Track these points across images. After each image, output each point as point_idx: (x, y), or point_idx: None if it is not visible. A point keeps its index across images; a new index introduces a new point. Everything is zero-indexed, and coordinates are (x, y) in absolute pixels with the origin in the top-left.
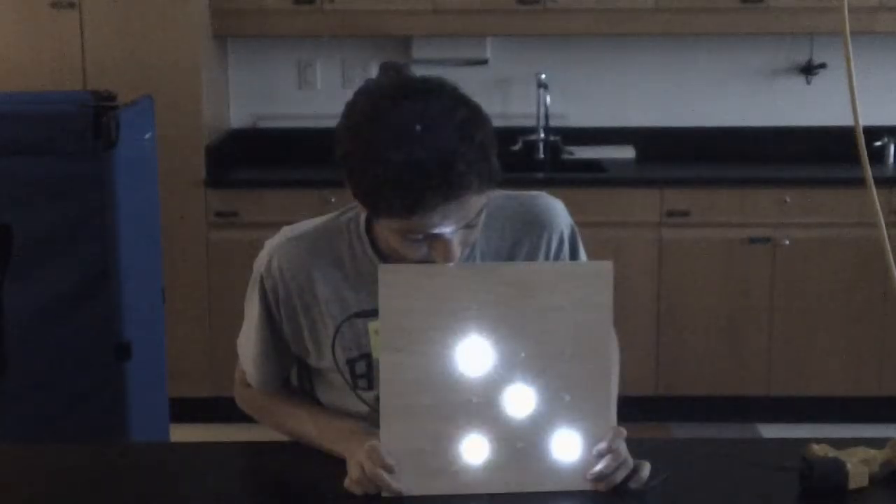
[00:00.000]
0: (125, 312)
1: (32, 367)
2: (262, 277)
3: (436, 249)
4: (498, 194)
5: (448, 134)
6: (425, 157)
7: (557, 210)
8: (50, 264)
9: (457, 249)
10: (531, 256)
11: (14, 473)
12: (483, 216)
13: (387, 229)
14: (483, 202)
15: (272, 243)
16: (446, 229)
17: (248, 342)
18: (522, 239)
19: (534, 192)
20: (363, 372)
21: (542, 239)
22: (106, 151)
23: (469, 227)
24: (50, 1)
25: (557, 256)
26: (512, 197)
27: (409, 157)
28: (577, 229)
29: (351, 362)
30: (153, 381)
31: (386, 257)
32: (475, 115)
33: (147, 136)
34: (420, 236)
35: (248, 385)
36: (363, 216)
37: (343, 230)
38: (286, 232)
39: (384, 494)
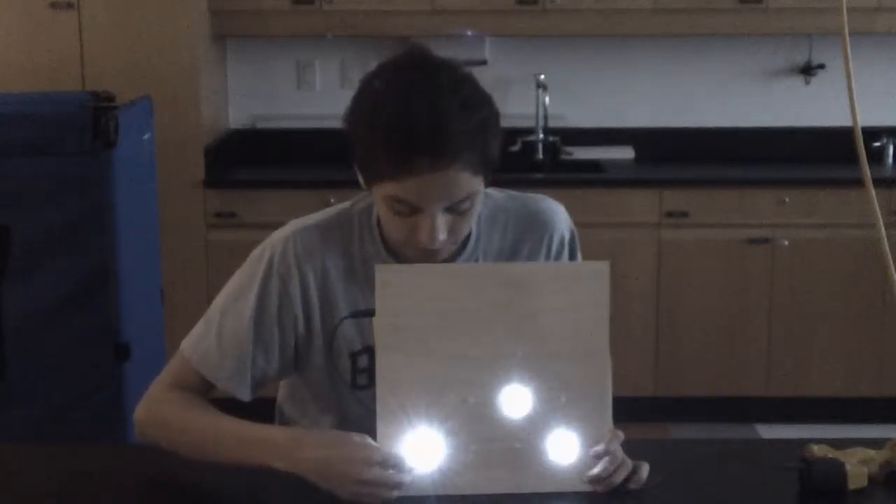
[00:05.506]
0: (125, 312)
1: (32, 368)
2: (274, 263)
3: (419, 228)
4: (501, 195)
5: (448, 102)
6: (419, 117)
7: (560, 213)
8: (50, 264)
9: (440, 232)
10: (532, 256)
11: (14, 473)
12: (476, 208)
13: (379, 199)
14: (475, 189)
15: (287, 230)
16: (432, 204)
17: (229, 326)
18: (524, 238)
19: (538, 195)
20: (365, 366)
21: (542, 239)
22: (105, 152)
23: (456, 212)
24: (48, 1)
25: (558, 257)
26: (515, 198)
27: (405, 112)
28: (577, 234)
29: (354, 355)
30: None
31: (393, 250)
32: (483, 97)
33: (146, 136)
34: (406, 209)
35: (181, 391)
36: (375, 208)
37: (354, 221)
38: (299, 222)
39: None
